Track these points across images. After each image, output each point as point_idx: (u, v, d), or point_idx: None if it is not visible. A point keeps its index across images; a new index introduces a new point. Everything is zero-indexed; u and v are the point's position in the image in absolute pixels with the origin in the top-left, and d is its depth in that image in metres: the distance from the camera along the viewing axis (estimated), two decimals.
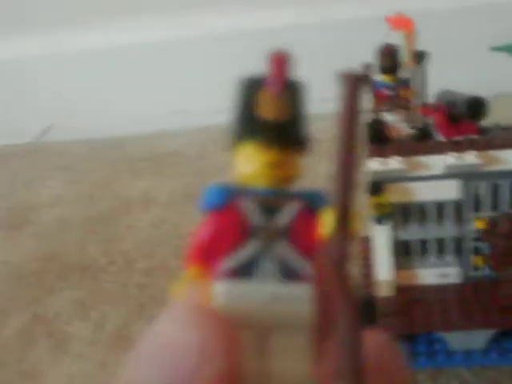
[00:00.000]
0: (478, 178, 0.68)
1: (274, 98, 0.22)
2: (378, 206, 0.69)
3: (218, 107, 1.37)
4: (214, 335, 0.21)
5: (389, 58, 0.72)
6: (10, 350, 0.89)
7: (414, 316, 0.72)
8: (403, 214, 0.72)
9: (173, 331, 0.21)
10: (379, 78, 0.74)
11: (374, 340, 0.23)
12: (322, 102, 1.30)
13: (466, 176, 0.68)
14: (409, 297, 0.74)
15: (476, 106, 0.64)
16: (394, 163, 0.68)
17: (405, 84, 0.73)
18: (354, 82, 0.20)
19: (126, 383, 0.22)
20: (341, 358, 0.21)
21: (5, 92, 1.47)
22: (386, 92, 0.74)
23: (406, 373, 0.24)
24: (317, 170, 1.19)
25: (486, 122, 0.69)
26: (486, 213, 0.70)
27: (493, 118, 0.69)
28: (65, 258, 1.05)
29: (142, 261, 0.99)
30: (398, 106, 0.75)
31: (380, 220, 0.70)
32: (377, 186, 0.68)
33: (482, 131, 0.70)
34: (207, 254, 0.22)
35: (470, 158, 0.66)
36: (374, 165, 0.68)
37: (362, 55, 0.70)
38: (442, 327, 0.71)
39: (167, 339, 0.21)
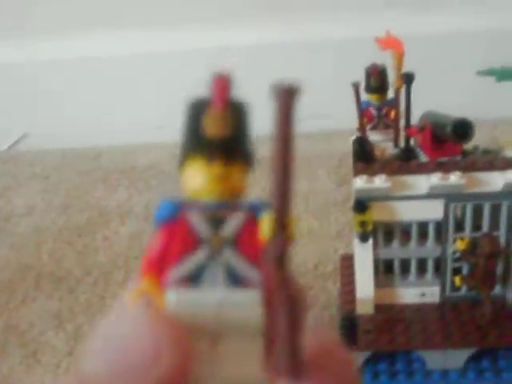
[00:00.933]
0: (461, 198, 0.69)
1: (216, 117, 0.23)
2: (362, 223, 0.70)
3: None
4: (165, 335, 0.21)
5: (376, 78, 0.73)
6: None
7: (393, 334, 0.73)
8: (386, 232, 0.72)
9: (124, 327, 0.22)
10: (366, 97, 0.74)
11: (320, 338, 0.24)
12: (301, 121, 1.31)
13: (449, 197, 0.68)
14: (389, 315, 0.74)
15: (462, 128, 0.65)
16: (379, 182, 0.68)
17: (390, 104, 0.74)
18: (287, 95, 0.20)
19: (76, 376, 0.22)
20: (279, 354, 0.21)
21: None
22: (372, 111, 0.75)
23: (353, 370, 0.24)
24: (296, 189, 1.19)
25: (468, 144, 0.70)
26: (468, 233, 0.71)
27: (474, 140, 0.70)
28: (39, 268, 1.03)
29: (119, 273, 0.98)
30: (383, 125, 0.76)
31: (362, 238, 0.71)
32: (360, 204, 0.69)
33: (466, 153, 0.71)
34: (159, 265, 0.23)
35: (454, 179, 0.67)
36: (359, 183, 0.69)
37: (351, 74, 0.71)
38: (421, 346, 0.72)
39: (118, 335, 0.22)
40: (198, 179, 0.23)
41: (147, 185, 1.22)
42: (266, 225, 0.21)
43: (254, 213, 0.23)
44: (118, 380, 0.21)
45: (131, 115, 1.41)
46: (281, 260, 0.21)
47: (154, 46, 1.36)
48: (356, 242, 0.72)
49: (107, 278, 0.98)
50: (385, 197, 0.69)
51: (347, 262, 0.82)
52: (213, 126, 0.23)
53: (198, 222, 0.23)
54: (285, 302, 0.21)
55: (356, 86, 0.70)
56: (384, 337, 0.72)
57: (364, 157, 0.71)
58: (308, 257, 0.97)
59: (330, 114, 1.27)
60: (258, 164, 0.24)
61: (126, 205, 1.17)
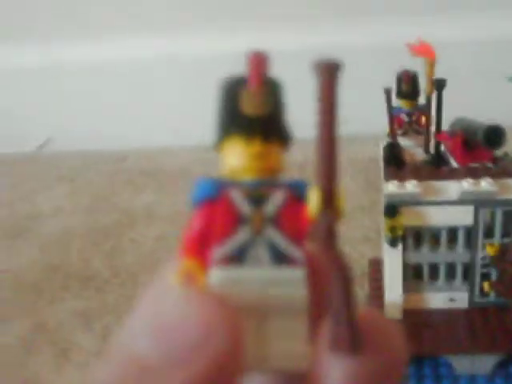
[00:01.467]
0: (492, 205, 0.69)
1: (253, 95, 0.23)
2: (392, 228, 0.70)
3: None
4: (215, 313, 0.21)
5: (407, 84, 0.74)
6: (12, 357, 0.89)
7: (421, 339, 0.73)
8: (415, 237, 0.73)
9: (168, 306, 0.21)
10: (397, 102, 0.75)
11: (372, 315, 0.23)
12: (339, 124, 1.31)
13: (479, 202, 0.69)
14: (417, 320, 0.75)
15: (494, 135, 0.66)
16: (410, 187, 0.69)
17: (421, 110, 0.75)
18: (329, 71, 0.21)
19: (123, 355, 0.21)
20: (335, 327, 0.21)
21: (8, 102, 1.47)
22: (403, 117, 0.75)
23: (403, 347, 0.23)
24: None
25: (499, 150, 0.71)
26: (497, 239, 0.71)
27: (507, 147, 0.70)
28: (67, 268, 1.05)
29: (146, 274, 0.99)
30: (413, 131, 0.76)
31: (392, 242, 0.71)
32: (391, 209, 0.69)
33: (497, 159, 0.71)
34: (200, 244, 0.23)
35: (485, 185, 0.68)
36: (390, 187, 0.69)
37: (382, 80, 0.71)
38: (449, 351, 0.72)
39: (162, 314, 0.21)
40: (236, 158, 0.23)
41: (174, 187, 1.23)
42: (312, 201, 0.21)
43: (295, 191, 0.23)
44: (169, 360, 0.21)
45: (157, 118, 1.42)
46: (330, 236, 0.21)
47: (180, 49, 1.37)
48: (385, 246, 0.72)
49: (134, 279, 0.99)
50: (415, 202, 0.70)
51: (375, 267, 0.83)
52: (251, 104, 0.23)
53: (240, 201, 0.23)
54: (339, 276, 0.21)
55: (388, 92, 0.71)
56: (412, 341, 0.73)
57: (395, 162, 0.72)
58: None
59: (355, 118, 1.28)
60: (294, 142, 0.24)
61: (153, 207, 1.18)
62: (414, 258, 0.73)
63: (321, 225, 0.21)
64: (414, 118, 0.75)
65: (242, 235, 0.23)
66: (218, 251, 0.23)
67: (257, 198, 0.23)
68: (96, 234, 1.12)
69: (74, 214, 1.20)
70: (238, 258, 0.23)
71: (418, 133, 0.75)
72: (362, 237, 1.01)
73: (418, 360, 0.75)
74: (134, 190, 1.24)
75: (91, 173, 1.32)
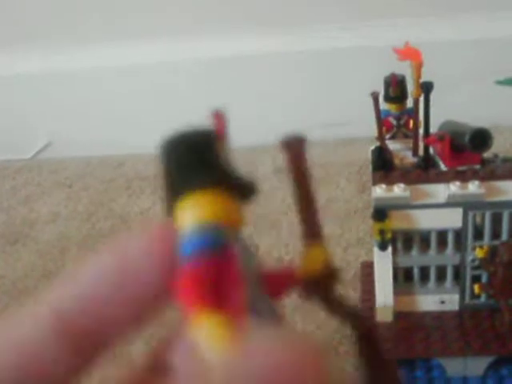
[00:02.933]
0: (480, 207, 0.69)
1: (226, 149, 0.22)
2: (381, 231, 0.71)
3: None
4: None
5: (395, 88, 0.74)
6: None
7: (413, 342, 0.73)
8: (405, 240, 0.73)
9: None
10: (385, 106, 0.75)
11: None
12: (322, 128, 1.31)
13: (468, 205, 0.69)
14: (408, 322, 0.75)
15: (480, 138, 0.66)
16: (398, 190, 0.69)
17: (409, 113, 0.75)
18: (296, 147, 0.21)
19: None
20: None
21: (5, 108, 1.48)
22: (391, 121, 0.76)
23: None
24: (317, 196, 1.20)
25: (487, 152, 0.71)
26: (487, 242, 0.71)
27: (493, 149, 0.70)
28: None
29: None
30: (402, 134, 0.76)
31: (381, 246, 0.72)
32: (380, 212, 0.69)
33: (485, 162, 0.71)
34: (216, 293, 0.20)
35: (473, 187, 0.68)
36: (378, 191, 0.70)
37: (369, 83, 0.71)
38: (441, 353, 0.72)
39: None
40: (204, 212, 0.21)
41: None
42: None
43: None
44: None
45: (153, 124, 1.42)
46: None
47: (174, 56, 1.37)
48: (375, 250, 0.73)
49: None
50: (404, 205, 0.70)
51: (367, 270, 0.83)
52: (223, 156, 0.22)
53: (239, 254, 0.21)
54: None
55: (375, 96, 0.71)
56: (403, 344, 0.73)
57: (383, 166, 0.72)
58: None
59: (350, 121, 1.28)
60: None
61: (149, 212, 1.18)
62: (404, 261, 0.74)
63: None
64: (402, 122, 0.76)
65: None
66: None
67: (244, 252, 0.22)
68: (93, 240, 1.13)
69: (71, 219, 1.20)
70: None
71: (406, 136, 0.76)
72: (356, 239, 1.01)
73: (409, 362, 0.75)
74: (130, 196, 1.24)
75: (89, 178, 1.33)
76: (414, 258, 0.74)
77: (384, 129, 0.74)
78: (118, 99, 1.43)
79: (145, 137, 1.41)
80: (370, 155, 0.75)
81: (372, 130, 0.75)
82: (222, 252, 0.20)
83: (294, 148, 0.21)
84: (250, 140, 1.32)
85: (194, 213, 0.21)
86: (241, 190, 0.22)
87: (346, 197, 1.13)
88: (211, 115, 0.23)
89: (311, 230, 0.22)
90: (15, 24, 1.42)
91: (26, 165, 1.43)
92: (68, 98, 1.45)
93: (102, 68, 1.42)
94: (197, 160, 0.22)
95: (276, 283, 0.23)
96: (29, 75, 1.45)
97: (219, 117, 0.23)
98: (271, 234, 1.06)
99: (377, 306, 0.75)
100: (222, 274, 0.20)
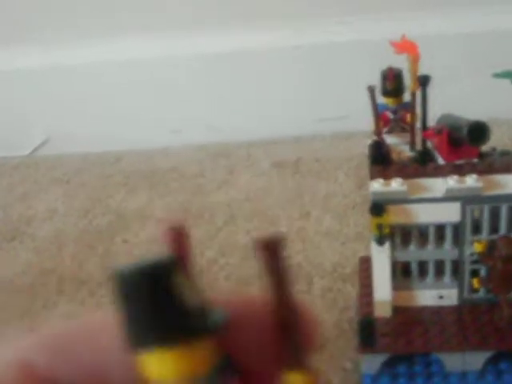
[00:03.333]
0: (478, 201, 0.69)
1: (185, 279, 0.20)
2: (379, 226, 0.70)
3: (214, 125, 1.39)
4: None
5: (392, 82, 0.74)
6: None
7: (411, 336, 0.73)
8: (403, 235, 0.73)
9: None
10: (382, 100, 0.75)
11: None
12: (320, 122, 1.31)
13: (466, 199, 0.69)
14: (407, 317, 0.75)
15: (478, 131, 0.65)
16: (396, 185, 0.69)
17: (406, 107, 0.74)
18: (271, 247, 0.20)
19: None
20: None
21: (2, 104, 1.47)
22: (388, 114, 0.75)
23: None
24: (314, 191, 1.19)
25: (485, 146, 0.70)
26: (485, 236, 0.71)
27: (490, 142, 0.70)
28: (61, 271, 1.05)
29: None
30: (399, 128, 0.76)
31: (379, 241, 0.71)
32: (377, 207, 0.69)
33: (483, 155, 0.71)
34: None
35: (471, 181, 0.67)
36: (375, 186, 0.69)
37: (366, 77, 0.71)
38: (439, 348, 0.72)
39: None
40: (173, 365, 0.19)
41: (167, 188, 1.23)
42: None
43: None
44: None
45: (151, 119, 1.42)
46: None
47: (171, 52, 1.37)
48: (373, 244, 0.72)
49: None
50: (401, 200, 0.69)
51: (366, 265, 0.82)
52: (188, 293, 0.20)
53: None
54: None
55: (372, 90, 0.71)
56: (402, 339, 0.73)
57: (380, 160, 0.71)
58: (327, 259, 0.97)
59: (348, 115, 1.28)
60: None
61: (147, 208, 1.18)
62: (402, 255, 0.73)
63: None
64: (399, 116, 0.75)
65: None
66: None
67: None
68: (90, 237, 1.12)
69: (68, 216, 1.19)
70: None
71: (403, 130, 0.75)
72: (354, 234, 1.01)
73: (408, 357, 0.74)
74: (127, 192, 1.24)
75: (86, 174, 1.32)
76: (412, 253, 0.73)
77: (381, 123, 0.74)
78: (116, 95, 1.42)
79: (142, 132, 1.41)
80: (367, 150, 0.74)
81: (369, 124, 0.75)
82: None
83: (271, 248, 0.20)
84: (248, 135, 1.32)
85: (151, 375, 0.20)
86: (211, 325, 0.20)
87: (344, 191, 1.12)
88: (168, 234, 0.20)
89: (292, 349, 0.20)
90: (13, 19, 1.41)
91: (24, 161, 1.42)
92: (65, 93, 1.44)
93: (99, 63, 1.41)
94: (152, 307, 0.19)
95: None
96: (26, 71, 1.45)
97: (178, 235, 0.20)
98: (269, 230, 1.06)
99: (375, 300, 0.75)
100: None
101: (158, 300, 0.19)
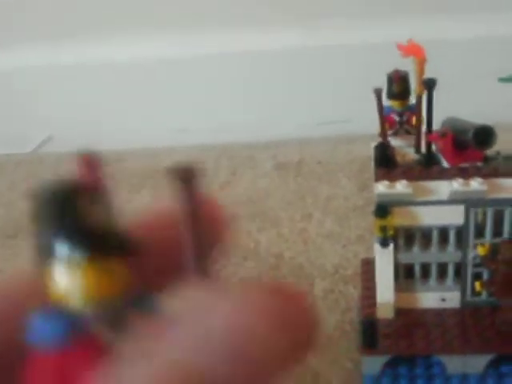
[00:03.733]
0: (482, 204, 0.69)
1: (89, 203, 0.20)
2: (382, 228, 0.70)
3: (218, 126, 1.39)
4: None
5: (398, 84, 0.74)
6: None
7: (413, 339, 0.73)
8: (406, 237, 0.73)
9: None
10: (388, 103, 0.75)
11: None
12: (323, 125, 1.31)
13: (470, 202, 0.69)
14: (409, 319, 0.75)
15: (484, 135, 0.66)
16: (400, 187, 0.69)
17: (412, 110, 0.75)
18: (185, 176, 0.20)
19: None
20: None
21: (5, 102, 1.48)
22: (394, 117, 0.76)
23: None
24: (316, 193, 1.19)
25: (490, 150, 0.71)
26: (488, 239, 0.71)
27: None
28: None
29: None
30: (404, 131, 0.76)
31: (383, 242, 0.72)
32: (382, 209, 0.69)
33: (487, 159, 0.71)
34: None
35: (475, 184, 0.68)
36: (380, 188, 0.69)
37: (371, 80, 0.71)
38: (441, 350, 0.72)
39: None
40: (86, 283, 0.19)
41: (171, 187, 1.23)
42: None
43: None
44: None
45: (155, 119, 1.42)
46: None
47: (177, 51, 1.37)
48: (377, 246, 0.73)
49: None
50: (406, 202, 0.70)
51: (368, 267, 0.83)
52: (90, 215, 0.20)
53: (97, 329, 0.19)
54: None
55: (378, 92, 0.71)
56: (404, 341, 0.73)
57: (386, 162, 0.72)
58: (328, 260, 0.97)
59: (351, 118, 1.28)
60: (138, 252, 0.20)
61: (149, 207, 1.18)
62: (406, 257, 0.74)
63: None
64: (405, 118, 0.75)
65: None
66: None
67: (112, 322, 0.20)
68: None
69: None
70: None
71: (409, 133, 0.76)
72: (356, 237, 1.01)
73: (410, 359, 0.75)
74: (130, 191, 1.24)
75: None
76: (416, 255, 0.74)
77: (387, 125, 0.74)
78: (120, 93, 1.43)
79: (146, 131, 1.41)
80: (371, 152, 0.75)
81: (373, 127, 0.75)
82: (75, 341, 0.19)
83: (185, 178, 0.20)
84: (251, 136, 1.32)
85: (52, 290, 0.19)
86: (115, 248, 0.20)
87: (346, 194, 1.13)
88: (81, 161, 0.21)
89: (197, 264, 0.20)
90: (16, 17, 1.42)
91: (26, 158, 1.43)
92: (69, 91, 1.45)
93: (104, 62, 1.42)
94: (58, 223, 0.19)
95: None
96: (29, 68, 1.45)
97: (90, 163, 0.21)
98: (271, 231, 1.06)
99: (378, 302, 0.75)
100: (70, 368, 0.19)
101: (63, 217, 0.19)
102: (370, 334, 0.74)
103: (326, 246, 1.00)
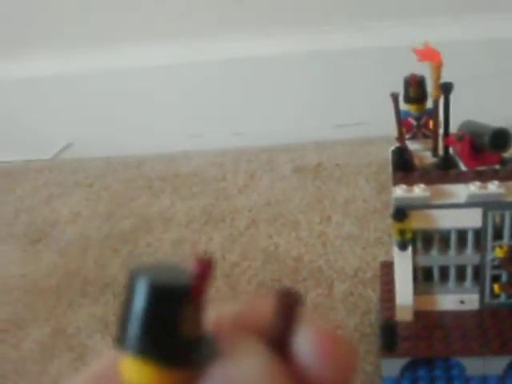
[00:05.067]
0: (500, 207, 0.69)
1: (198, 314, 0.20)
2: (401, 231, 0.71)
3: (235, 130, 1.40)
4: None
5: (415, 88, 0.74)
6: (31, 362, 0.91)
7: (432, 341, 0.74)
8: (425, 240, 0.74)
9: None
10: (405, 107, 0.75)
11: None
12: (340, 127, 1.32)
13: (487, 205, 0.69)
14: (428, 322, 0.75)
15: (501, 138, 0.66)
16: (418, 191, 0.70)
17: (429, 114, 0.75)
18: (289, 302, 0.20)
19: None
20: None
21: (27, 108, 1.49)
22: (411, 121, 0.76)
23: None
24: (334, 196, 1.19)
25: (507, 153, 0.71)
26: (506, 241, 0.71)
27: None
28: (85, 274, 1.06)
29: None
30: (422, 135, 0.77)
31: (401, 246, 0.72)
32: (400, 212, 0.70)
33: (504, 162, 0.71)
34: None
35: (493, 187, 0.68)
36: (398, 192, 0.70)
37: (387, 83, 0.72)
38: (460, 352, 0.73)
39: None
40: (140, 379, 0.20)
41: (189, 191, 1.24)
42: None
43: None
44: None
45: (172, 124, 1.43)
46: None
47: (195, 56, 1.38)
48: (395, 249, 0.73)
49: None
50: (424, 205, 0.70)
51: (387, 270, 0.83)
52: (189, 325, 0.20)
53: None
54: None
55: (395, 97, 0.72)
56: (423, 343, 0.73)
57: (403, 166, 0.72)
58: (348, 263, 0.98)
59: (369, 121, 1.29)
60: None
61: (169, 211, 1.19)
62: (424, 260, 0.74)
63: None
64: (422, 122, 0.76)
65: None
66: None
67: None
68: (113, 240, 1.14)
69: (91, 219, 1.21)
70: None
71: (426, 137, 0.76)
72: (375, 239, 1.02)
73: (429, 361, 0.75)
74: (150, 195, 1.25)
75: (109, 178, 1.34)
76: (434, 258, 0.74)
77: (404, 129, 0.75)
78: (139, 99, 1.44)
79: (164, 137, 1.43)
80: (389, 155, 0.75)
81: (390, 130, 0.76)
82: None
83: (288, 304, 0.20)
84: (269, 140, 1.33)
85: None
86: (198, 361, 0.20)
87: (364, 197, 1.13)
88: (196, 261, 0.20)
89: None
90: (36, 27, 1.43)
91: (47, 165, 1.44)
92: (88, 98, 1.46)
93: (122, 69, 1.43)
94: (153, 318, 0.20)
95: None
96: (50, 76, 1.47)
97: (204, 265, 0.20)
98: (290, 234, 1.07)
99: (397, 305, 0.75)
100: None
101: (160, 315, 0.19)
102: (390, 336, 0.74)
103: (345, 249, 1.01)
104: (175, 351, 0.19)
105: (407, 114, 0.76)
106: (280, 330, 0.20)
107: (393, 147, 0.75)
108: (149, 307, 0.19)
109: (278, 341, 0.21)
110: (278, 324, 0.20)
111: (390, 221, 0.73)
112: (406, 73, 0.76)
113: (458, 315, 0.76)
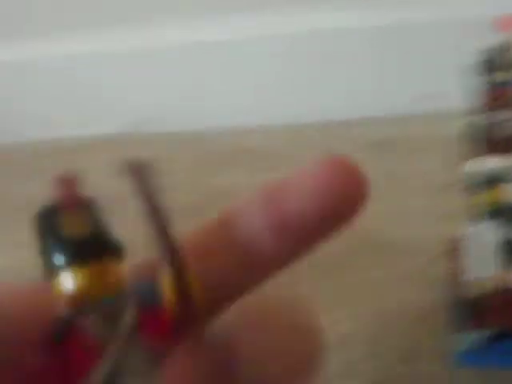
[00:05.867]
0: None
1: (72, 217, 0.22)
2: (478, 205, 0.70)
3: (310, 103, 1.39)
4: None
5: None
6: None
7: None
8: (508, 213, 0.72)
9: None
10: (497, 77, 0.74)
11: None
12: (415, 101, 1.29)
13: None
14: (509, 296, 0.74)
15: None
16: (495, 163, 0.68)
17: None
18: (138, 172, 0.21)
19: None
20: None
21: (96, 84, 1.51)
22: (503, 90, 0.74)
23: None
24: (408, 170, 1.17)
25: None
26: None
27: None
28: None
29: None
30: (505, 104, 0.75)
31: (489, 216, 0.71)
32: (486, 184, 0.69)
33: None
34: None
35: None
36: (475, 164, 0.69)
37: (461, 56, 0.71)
38: None
39: None
40: (76, 284, 0.21)
41: (252, 168, 1.24)
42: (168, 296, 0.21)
43: (144, 299, 0.22)
44: None
45: (240, 99, 1.43)
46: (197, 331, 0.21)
47: (270, 28, 1.39)
48: (472, 223, 0.72)
49: None
50: (501, 178, 0.69)
51: (454, 246, 0.82)
52: (70, 227, 0.22)
53: (94, 328, 0.21)
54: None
55: (478, 67, 0.70)
56: (505, 316, 0.72)
57: (480, 139, 0.71)
58: (420, 238, 0.97)
59: (442, 94, 1.27)
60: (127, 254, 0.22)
61: (232, 188, 1.19)
62: (508, 233, 0.73)
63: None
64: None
65: (108, 363, 0.21)
66: None
67: (110, 319, 0.22)
68: (175, 215, 1.13)
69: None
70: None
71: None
72: (447, 213, 1.00)
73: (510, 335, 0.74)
74: (213, 171, 1.25)
75: (173, 154, 1.34)
76: None
77: (495, 99, 0.73)
78: (203, 73, 1.44)
79: (227, 111, 1.42)
80: (466, 128, 0.74)
81: (457, 104, 0.75)
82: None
83: (138, 173, 0.21)
84: (343, 114, 1.32)
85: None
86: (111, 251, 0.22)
87: (438, 171, 1.12)
88: (57, 181, 0.22)
89: (167, 254, 0.21)
90: (54, 9, 1.45)
91: (116, 139, 1.45)
92: (156, 75, 1.48)
93: (190, 45, 1.44)
94: (45, 236, 0.22)
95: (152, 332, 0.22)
96: (120, 53, 1.49)
97: (68, 182, 0.22)
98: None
99: (474, 278, 0.74)
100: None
101: (50, 233, 0.22)
102: (468, 310, 0.73)
103: (417, 223, 1.00)
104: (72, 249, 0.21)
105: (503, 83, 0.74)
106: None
107: (474, 119, 0.74)
108: (42, 231, 0.22)
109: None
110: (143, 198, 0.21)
111: (464, 195, 0.72)
112: (483, 45, 0.75)
113: None
